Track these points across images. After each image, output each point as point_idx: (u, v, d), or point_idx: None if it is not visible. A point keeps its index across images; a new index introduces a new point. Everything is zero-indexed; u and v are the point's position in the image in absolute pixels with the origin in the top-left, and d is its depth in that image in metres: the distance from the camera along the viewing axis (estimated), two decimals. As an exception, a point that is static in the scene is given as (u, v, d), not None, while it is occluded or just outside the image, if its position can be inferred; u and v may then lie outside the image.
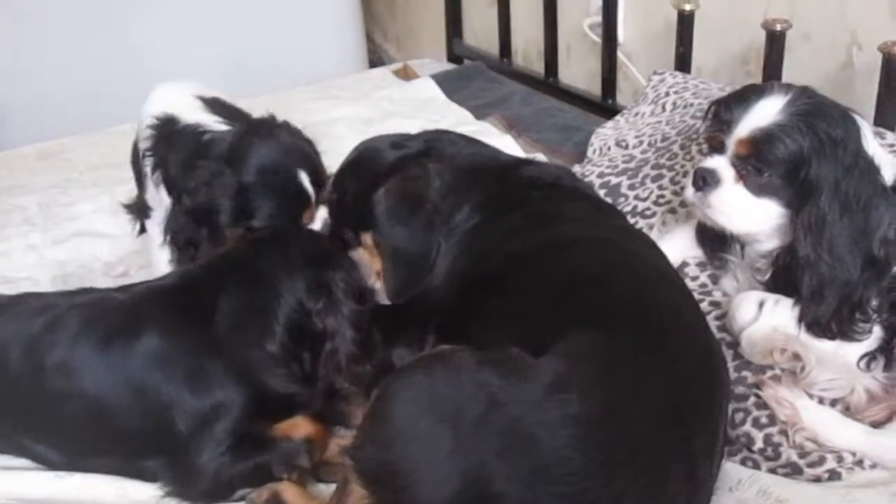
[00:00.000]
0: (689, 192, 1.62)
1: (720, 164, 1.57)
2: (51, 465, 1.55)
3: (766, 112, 1.52)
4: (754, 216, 1.57)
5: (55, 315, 1.54)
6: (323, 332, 1.52)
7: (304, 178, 1.70)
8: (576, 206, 1.68)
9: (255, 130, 1.75)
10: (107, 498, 1.49)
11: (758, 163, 1.53)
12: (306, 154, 1.74)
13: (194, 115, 1.77)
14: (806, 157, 1.49)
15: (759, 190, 1.55)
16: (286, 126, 1.80)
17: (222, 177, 1.66)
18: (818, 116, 1.52)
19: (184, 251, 1.72)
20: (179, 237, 1.72)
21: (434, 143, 1.77)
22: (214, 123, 1.76)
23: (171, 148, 1.75)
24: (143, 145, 1.79)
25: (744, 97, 1.57)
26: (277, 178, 1.69)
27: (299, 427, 1.49)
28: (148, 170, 1.79)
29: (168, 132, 1.76)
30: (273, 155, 1.70)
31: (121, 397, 1.48)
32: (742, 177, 1.55)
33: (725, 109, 1.58)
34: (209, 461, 1.44)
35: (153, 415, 1.47)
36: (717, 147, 1.59)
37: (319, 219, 1.75)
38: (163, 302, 1.55)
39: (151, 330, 1.49)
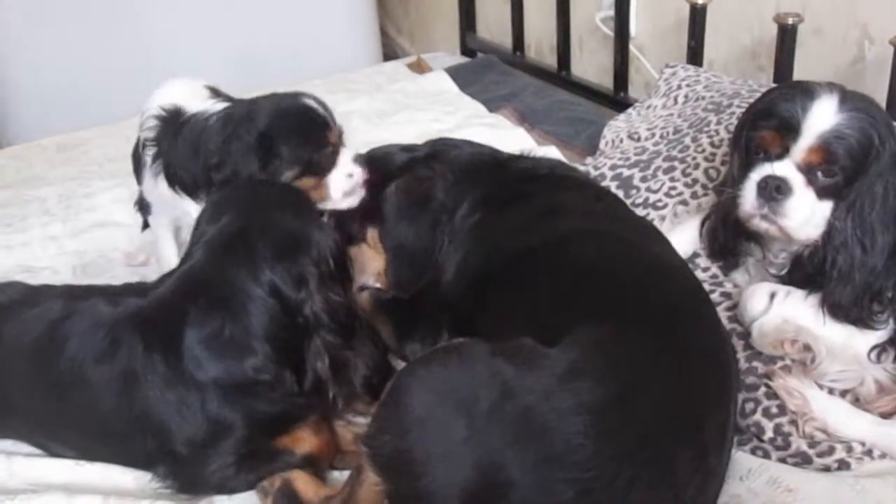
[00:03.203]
0: (751, 204, 1.54)
1: (788, 170, 1.51)
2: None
3: (827, 114, 1.48)
4: (817, 221, 1.52)
5: (55, 320, 1.53)
6: (305, 325, 1.45)
7: (315, 104, 1.70)
8: (575, 197, 1.70)
9: (256, 99, 1.75)
10: (126, 485, 1.50)
11: (830, 166, 1.49)
12: (308, 94, 1.74)
13: (200, 104, 1.76)
14: (875, 150, 1.47)
15: (823, 193, 1.51)
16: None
17: (240, 139, 1.65)
18: (871, 108, 1.51)
19: None
20: None
21: (439, 147, 1.83)
22: (219, 107, 1.74)
23: (176, 138, 1.73)
24: (145, 135, 1.78)
25: (794, 99, 1.51)
26: (290, 115, 1.68)
27: (302, 442, 1.48)
28: (148, 159, 1.78)
29: (173, 123, 1.75)
30: (278, 102, 1.70)
31: (118, 417, 1.47)
32: (811, 182, 1.51)
33: (779, 114, 1.52)
34: (213, 473, 1.44)
35: (152, 435, 1.45)
36: (777, 153, 1.53)
37: (347, 155, 1.71)
38: (138, 330, 1.47)
39: (132, 359, 1.45)
